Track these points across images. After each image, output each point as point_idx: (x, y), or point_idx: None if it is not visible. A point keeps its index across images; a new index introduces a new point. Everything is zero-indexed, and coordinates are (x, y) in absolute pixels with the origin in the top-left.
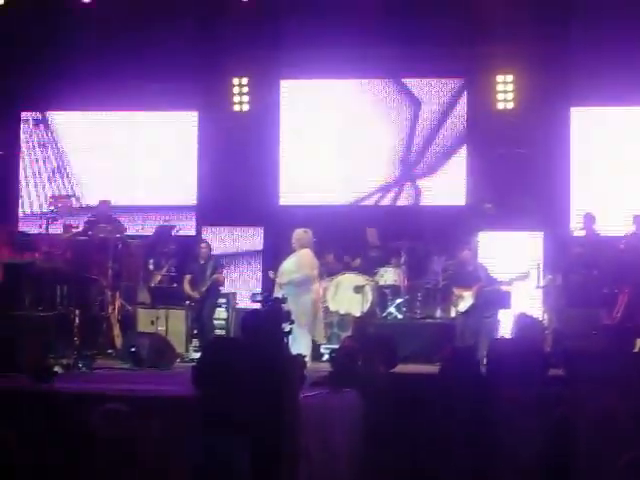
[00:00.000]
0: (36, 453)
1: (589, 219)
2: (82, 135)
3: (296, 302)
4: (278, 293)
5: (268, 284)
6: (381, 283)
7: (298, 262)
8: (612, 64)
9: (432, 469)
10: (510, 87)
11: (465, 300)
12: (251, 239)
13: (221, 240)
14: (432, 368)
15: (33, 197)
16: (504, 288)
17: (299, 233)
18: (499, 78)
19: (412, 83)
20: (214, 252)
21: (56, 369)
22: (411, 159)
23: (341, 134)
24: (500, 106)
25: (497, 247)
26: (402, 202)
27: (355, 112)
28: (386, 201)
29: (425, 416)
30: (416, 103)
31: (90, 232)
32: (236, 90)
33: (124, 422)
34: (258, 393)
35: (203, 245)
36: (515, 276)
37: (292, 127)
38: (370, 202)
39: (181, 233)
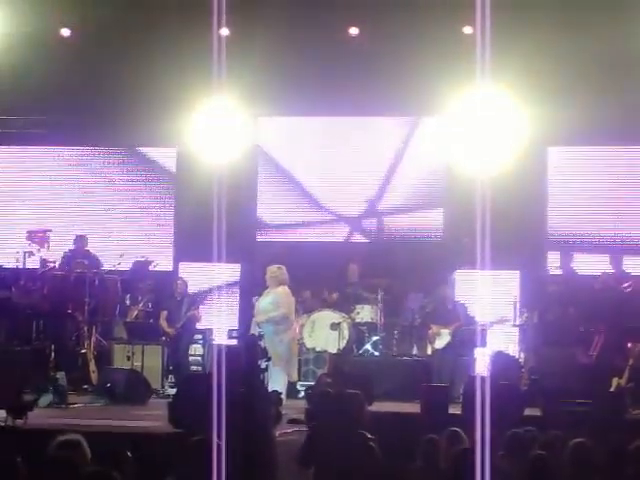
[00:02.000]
0: None
1: (566, 257)
2: (55, 170)
3: (272, 340)
4: (255, 331)
5: (245, 320)
6: (358, 320)
7: (275, 300)
8: (588, 104)
9: None
10: (489, 123)
11: (442, 337)
12: (228, 275)
13: (198, 276)
14: (408, 406)
15: (9, 232)
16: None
17: (273, 270)
18: (478, 114)
19: (387, 121)
20: (190, 288)
21: (30, 404)
22: (386, 194)
23: (317, 170)
24: (478, 143)
25: (473, 285)
26: (377, 238)
27: (331, 148)
28: (362, 237)
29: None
30: (394, 141)
31: (67, 267)
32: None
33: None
34: (234, 428)
35: (179, 282)
36: (495, 319)
37: (270, 163)
38: (346, 238)
39: (158, 269)
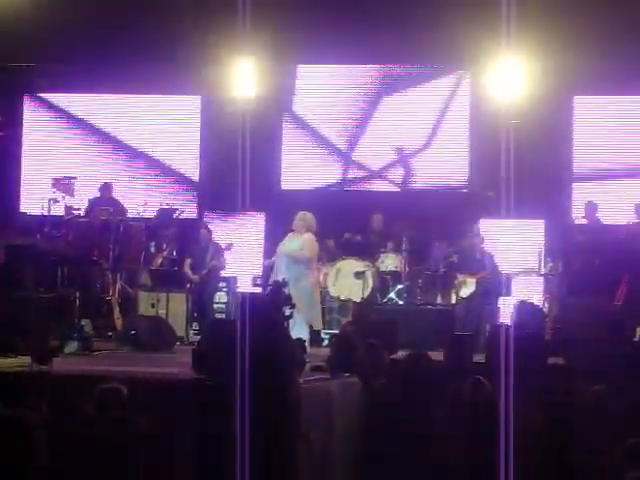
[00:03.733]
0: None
1: (591, 208)
2: (83, 117)
3: (296, 287)
4: (280, 266)
5: (268, 269)
6: (382, 269)
7: (302, 245)
8: (616, 53)
9: (430, 453)
10: (514, 76)
11: (468, 286)
12: (252, 223)
13: (223, 224)
14: (432, 354)
15: (35, 179)
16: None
17: (303, 215)
18: (503, 67)
19: (416, 70)
20: (214, 236)
21: (55, 351)
22: (414, 145)
23: (344, 119)
24: (504, 94)
25: (498, 235)
26: (403, 188)
27: (359, 98)
28: (387, 186)
29: (424, 401)
30: (421, 89)
31: (91, 214)
32: (240, 74)
33: (123, 401)
34: (258, 376)
35: (204, 230)
36: (519, 269)
37: (295, 111)
38: (372, 187)
39: (183, 216)
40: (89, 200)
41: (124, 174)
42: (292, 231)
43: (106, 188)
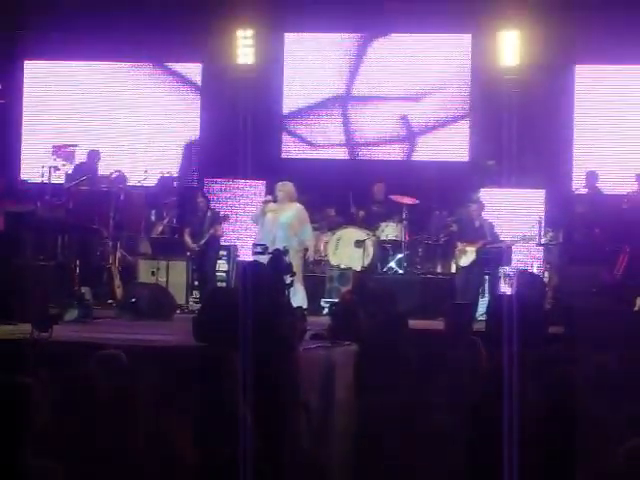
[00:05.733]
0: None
1: (592, 177)
2: (84, 85)
3: (295, 256)
4: (278, 236)
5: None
6: (382, 238)
7: (298, 215)
8: (617, 22)
9: (430, 422)
10: (515, 44)
11: (467, 255)
12: (252, 191)
13: (223, 192)
14: (432, 323)
15: (35, 146)
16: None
17: (283, 186)
18: (504, 35)
19: (416, 38)
20: (213, 204)
21: (56, 318)
22: (414, 114)
23: (345, 88)
24: (504, 63)
25: (498, 204)
26: (404, 157)
27: (358, 66)
28: (388, 156)
29: (423, 370)
30: (420, 59)
31: (73, 181)
32: (241, 42)
33: (122, 368)
34: (258, 343)
35: (201, 198)
36: (519, 237)
37: (296, 80)
38: (372, 156)
39: (183, 185)
40: (75, 166)
41: (124, 142)
42: (273, 202)
43: (94, 155)
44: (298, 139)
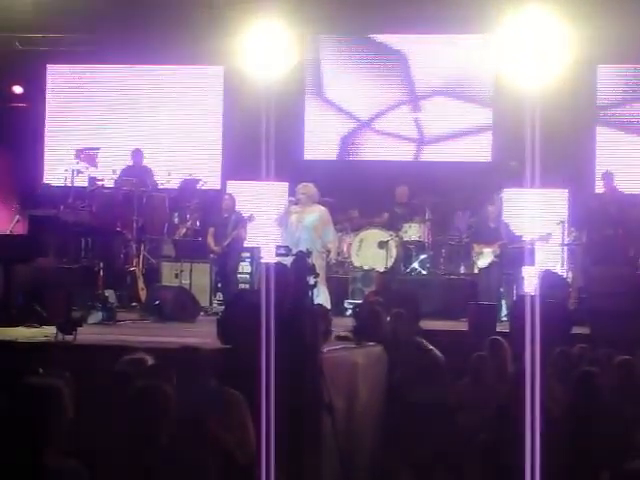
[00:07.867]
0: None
1: (608, 177)
2: (107, 89)
3: (318, 258)
4: (303, 238)
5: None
6: (405, 239)
7: (322, 217)
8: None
9: (453, 422)
10: (538, 44)
11: (484, 256)
12: (276, 193)
13: (246, 194)
14: (455, 324)
15: (59, 150)
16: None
17: (305, 187)
18: (527, 35)
19: (436, 40)
20: (238, 206)
21: (79, 321)
22: (437, 116)
23: (366, 90)
24: (527, 63)
25: (522, 204)
26: (427, 158)
27: (381, 69)
28: (410, 157)
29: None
30: (444, 60)
31: (115, 185)
32: (264, 45)
33: (148, 371)
34: (283, 345)
35: (226, 197)
36: (537, 237)
37: (317, 82)
38: (395, 158)
39: (205, 187)
40: (122, 170)
41: (147, 145)
42: (295, 204)
43: (137, 153)
44: (321, 141)
